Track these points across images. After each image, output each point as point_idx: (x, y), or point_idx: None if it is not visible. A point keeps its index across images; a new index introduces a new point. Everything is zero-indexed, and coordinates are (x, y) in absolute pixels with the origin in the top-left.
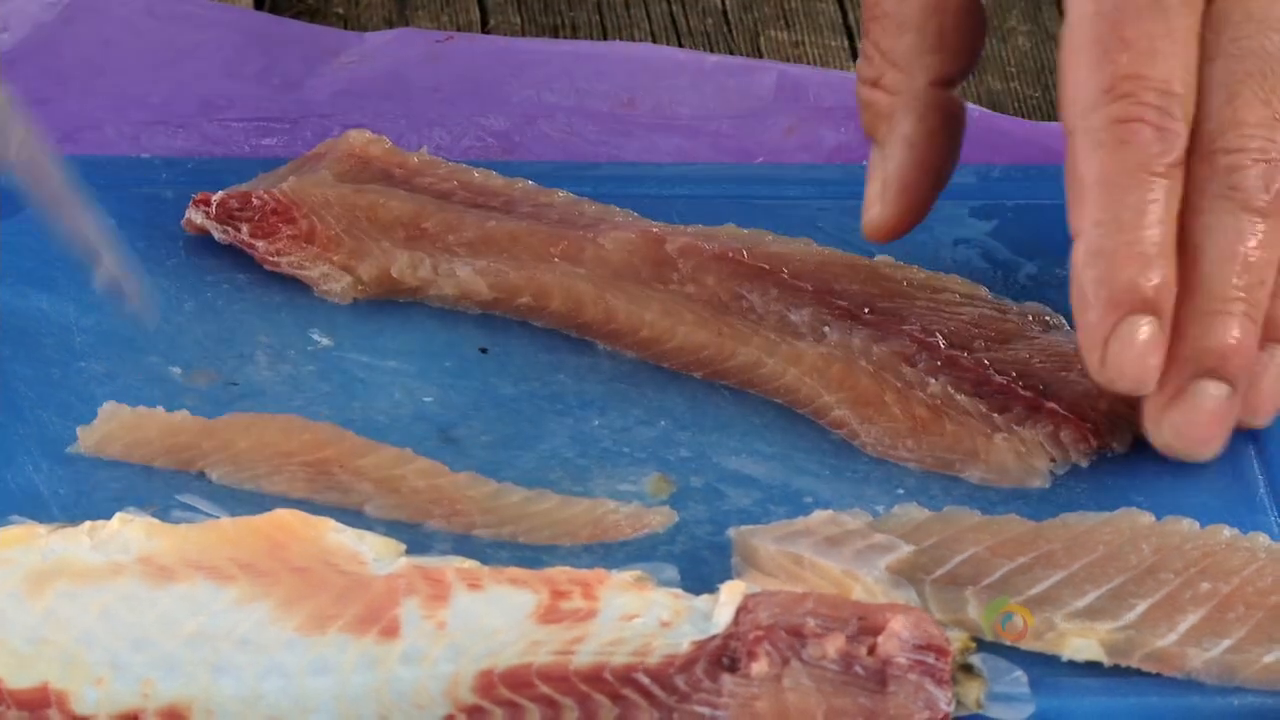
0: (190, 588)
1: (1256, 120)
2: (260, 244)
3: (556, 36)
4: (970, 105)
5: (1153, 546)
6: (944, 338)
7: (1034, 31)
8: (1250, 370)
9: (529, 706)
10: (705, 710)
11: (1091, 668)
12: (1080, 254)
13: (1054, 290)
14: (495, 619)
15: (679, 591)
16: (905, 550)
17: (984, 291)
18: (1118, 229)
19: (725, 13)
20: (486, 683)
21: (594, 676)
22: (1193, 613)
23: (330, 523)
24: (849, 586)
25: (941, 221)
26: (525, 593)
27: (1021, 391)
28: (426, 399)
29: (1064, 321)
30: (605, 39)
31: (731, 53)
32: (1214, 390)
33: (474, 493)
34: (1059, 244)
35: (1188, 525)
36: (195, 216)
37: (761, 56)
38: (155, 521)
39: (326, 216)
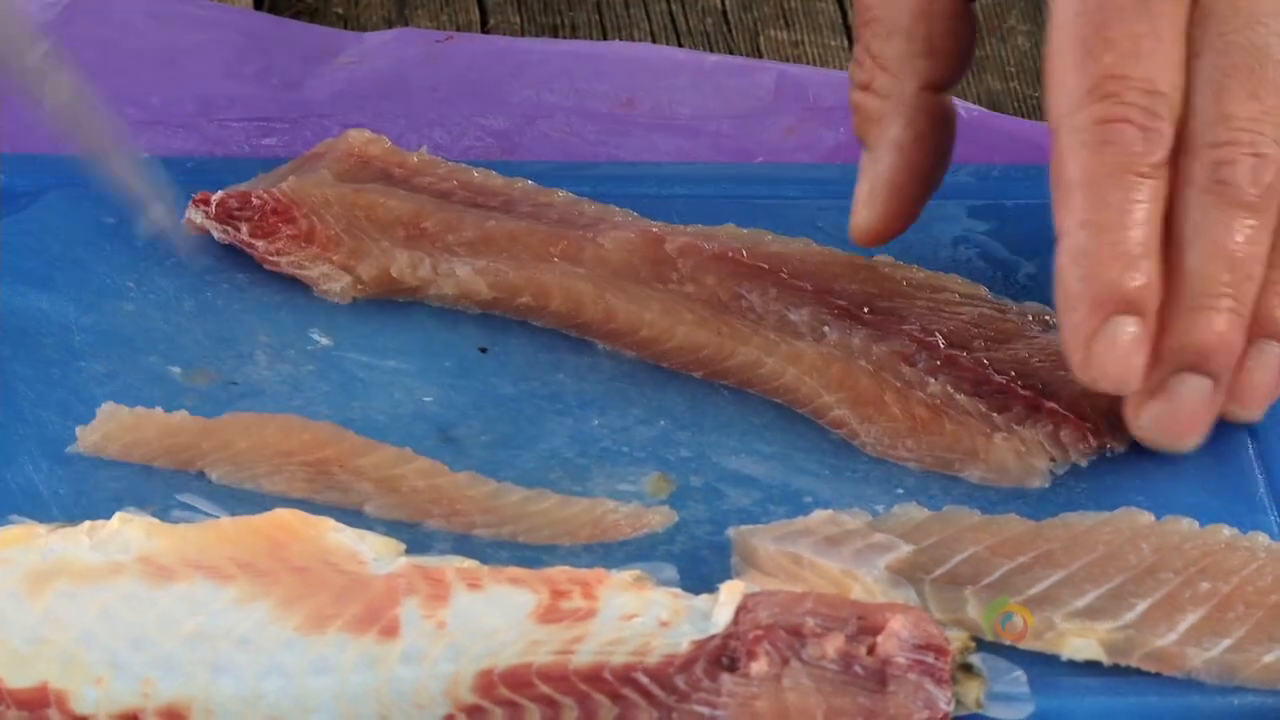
0: (190, 587)
1: (1244, 114)
2: (260, 243)
3: (556, 36)
4: (970, 105)
5: (1152, 546)
6: (943, 337)
7: (1034, 31)
8: (1234, 364)
9: (529, 706)
10: (705, 710)
11: (1091, 667)
12: (1064, 254)
13: (1053, 290)
14: (495, 619)
15: (678, 591)
16: (905, 550)
17: (984, 291)
18: (1101, 229)
19: (725, 12)
20: (486, 682)
21: (593, 676)
22: (1192, 612)
23: (330, 522)
24: (848, 586)
25: (941, 221)
26: (525, 592)
27: (1021, 391)
28: (426, 398)
29: None
30: (605, 39)
31: (731, 53)
32: (1195, 384)
33: (474, 492)
34: None
35: (1187, 525)
36: (195, 216)
37: (761, 56)
38: (155, 521)
39: (326, 216)
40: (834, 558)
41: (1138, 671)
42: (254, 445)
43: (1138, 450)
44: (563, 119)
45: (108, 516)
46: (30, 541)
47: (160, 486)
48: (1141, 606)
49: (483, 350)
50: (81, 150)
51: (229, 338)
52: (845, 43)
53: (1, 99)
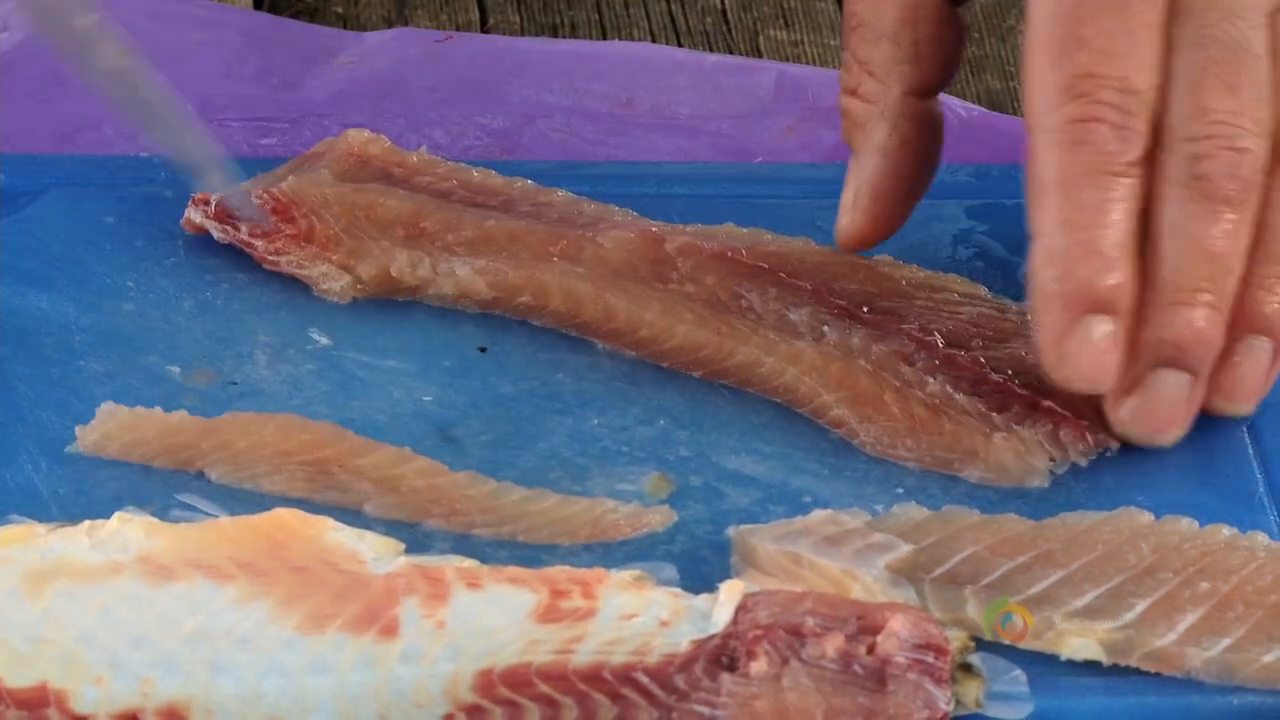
0: (189, 587)
1: (1222, 108)
2: (259, 243)
3: (555, 36)
4: (970, 105)
5: (1152, 546)
6: (942, 337)
7: None
8: (1213, 359)
9: (528, 705)
10: (704, 709)
11: (1091, 667)
12: (1038, 254)
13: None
14: (494, 618)
15: (678, 591)
16: (904, 549)
17: (983, 291)
18: (1075, 229)
19: (724, 12)
20: (486, 682)
21: (593, 675)
22: (1192, 612)
23: (329, 522)
24: (848, 586)
25: (940, 220)
26: (524, 592)
27: (1019, 390)
28: (426, 398)
29: None
30: (604, 38)
31: (731, 52)
32: (1173, 379)
33: (473, 492)
34: None
35: (1187, 524)
36: (194, 215)
37: (761, 56)
38: (154, 521)
39: (325, 216)
40: (834, 557)
41: (1137, 671)
42: (253, 445)
43: (1137, 450)
44: (562, 119)
45: (107, 516)
46: (30, 541)
47: (160, 486)
48: (1141, 606)
49: (482, 350)
50: (134, 118)
51: (228, 337)
52: None
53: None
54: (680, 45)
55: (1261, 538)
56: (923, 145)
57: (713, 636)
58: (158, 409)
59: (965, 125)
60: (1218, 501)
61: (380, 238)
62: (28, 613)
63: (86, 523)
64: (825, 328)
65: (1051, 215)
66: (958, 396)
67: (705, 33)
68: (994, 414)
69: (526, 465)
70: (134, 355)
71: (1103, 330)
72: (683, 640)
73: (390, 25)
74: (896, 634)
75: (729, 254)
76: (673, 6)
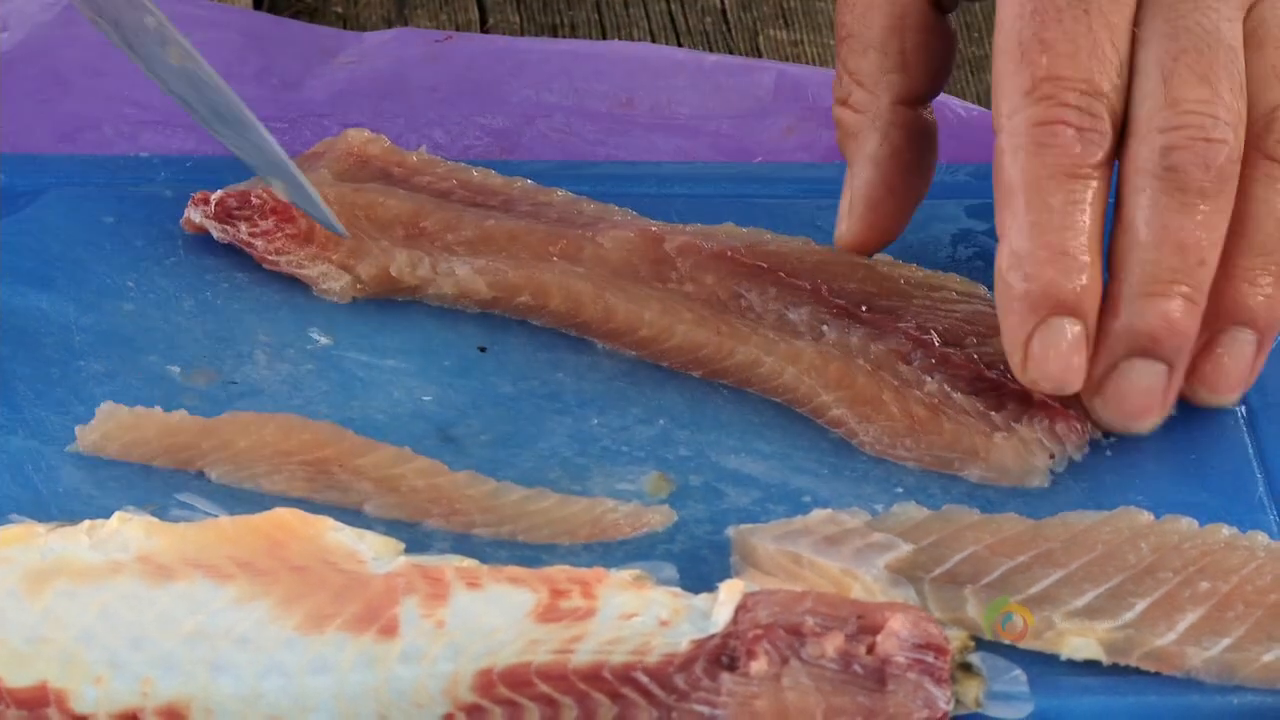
0: (189, 586)
1: (1194, 98)
2: (259, 243)
3: (555, 36)
4: (970, 105)
5: (1151, 545)
6: (938, 335)
7: None
8: (1188, 348)
9: (528, 705)
10: (704, 709)
11: (1090, 667)
12: (1003, 256)
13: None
14: (494, 618)
15: (678, 590)
16: (904, 549)
17: (982, 290)
18: (1039, 231)
19: (724, 12)
20: (485, 681)
21: (593, 675)
22: (1192, 611)
23: (329, 521)
24: (848, 585)
25: (940, 220)
26: (524, 591)
27: (1012, 385)
28: (425, 398)
29: None
30: (604, 38)
31: (730, 52)
32: (1147, 369)
33: (473, 491)
34: None
35: (1186, 524)
36: (194, 215)
37: (760, 56)
38: (154, 520)
39: None
40: (833, 557)
41: (1137, 671)
42: (253, 445)
43: (1137, 450)
44: (562, 118)
45: (107, 515)
46: (30, 541)
47: (160, 486)
48: (1141, 606)
49: (482, 349)
50: (198, 119)
51: (228, 337)
52: None
53: (2, 98)
54: (680, 45)
55: (1261, 537)
56: (915, 154)
57: (712, 636)
58: (158, 409)
59: (965, 125)
60: (1218, 501)
61: (380, 237)
62: (28, 612)
63: (86, 522)
64: (824, 327)
65: (1017, 218)
66: (956, 395)
67: (705, 32)
68: (992, 413)
69: (526, 465)
70: (134, 355)
71: (1069, 332)
72: (682, 640)
73: (390, 25)
74: (896, 634)
75: (728, 253)
76: (673, 6)
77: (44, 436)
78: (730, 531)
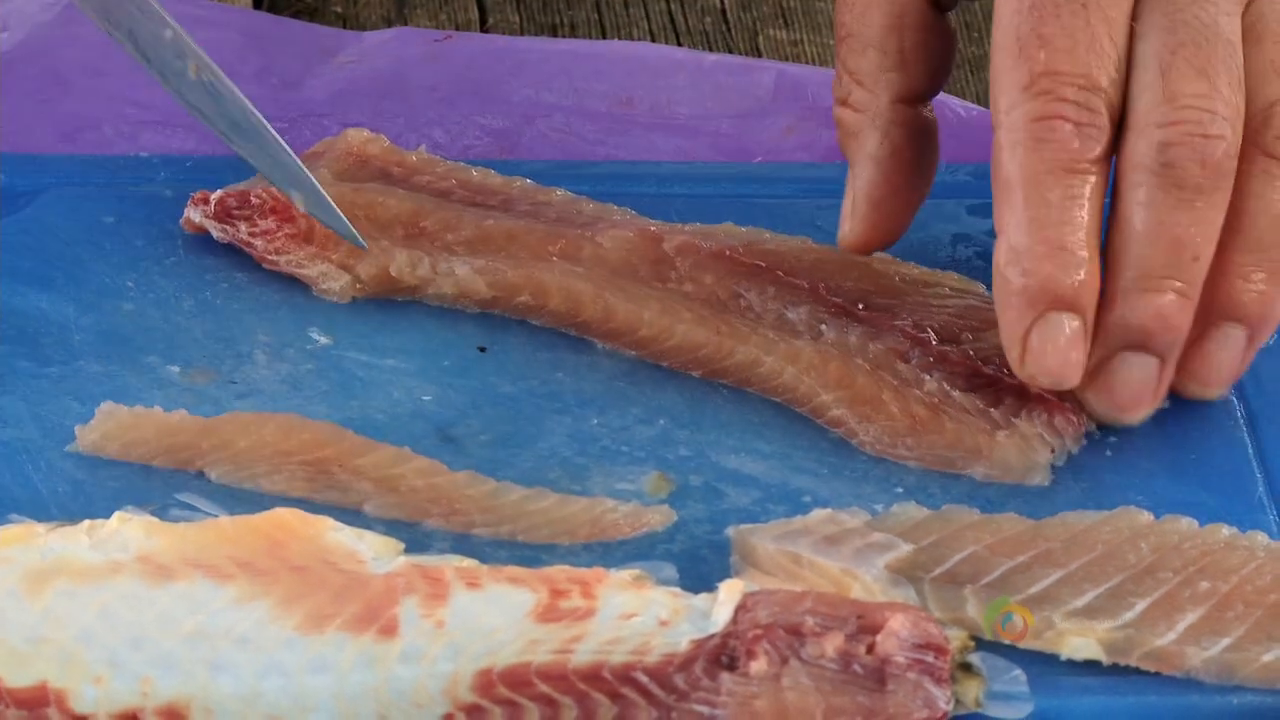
0: (189, 586)
1: (1191, 92)
2: (259, 242)
3: (555, 35)
4: (970, 104)
5: (1151, 545)
6: (934, 332)
7: None
8: (1180, 342)
9: (528, 705)
10: (704, 709)
11: (1090, 666)
12: (1001, 251)
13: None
14: (494, 618)
15: (678, 590)
16: (904, 549)
17: (978, 287)
18: (1037, 227)
19: (724, 12)
20: (485, 681)
21: (593, 675)
22: (1191, 611)
23: (329, 521)
24: (848, 585)
25: (940, 219)
26: (524, 591)
27: (1009, 380)
28: (425, 398)
29: None
30: (604, 38)
31: (730, 52)
32: (1139, 362)
33: (473, 491)
34: None
35: (1186, 524)
36: (194, 215)
37: (760, 55)
38: (154, 520)
39: None
40: (833, 557)
41: (1137, 671)
42: (253, 444)
43: (1137, 450)
44: (562, 118)
45: (107, 515)
46: (30, 540)
47: (159, 485)
48: (1141, 606)
49: (482, 349)
50: (216, 132)
51: (228, 337)
52: None
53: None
54: (680, 45)
55: (1261, 537)
56: (915, 152)
57: (712, 636)
58: (157, 409)
59: (965, 125)
60: (1218, 501)
61: (379, 237)
62: (27, 612)
63: (86, 522)
64: (823, 326)
65: (1015, 213)
66: (955, 394)
67: (705, 32)
68: (991, 410)
69: (526, 465)
70: (134, 355)
71: (1066, 328)
72: (682, 640)
73: (390, 25)
74: (896, 633)
75: (727, 253)
76: (672, 6)
77: (44, 436)
78: (730, 531)
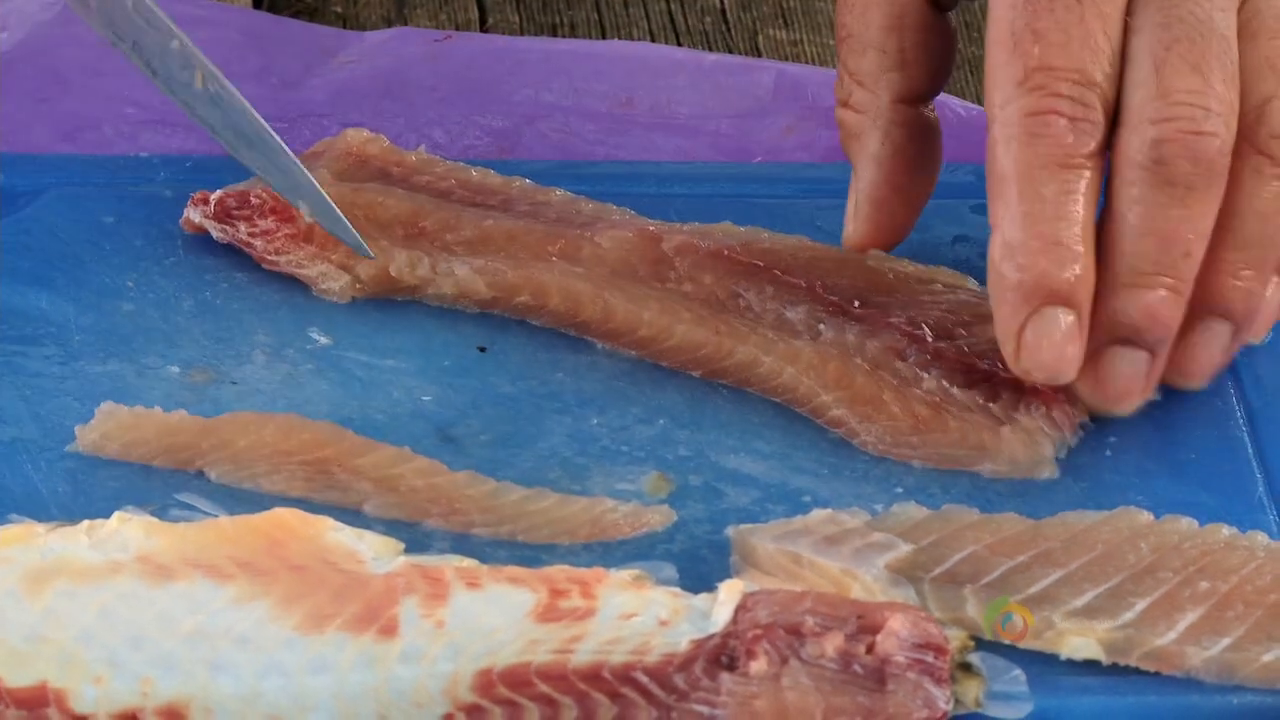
0: (189, 586)
1: (1185, 88)
2: (258, 242)
3: (555, 35)
4: (970, 104)
5: (1151, 545)
6: (929, 328)
7: None
8: (1171, 337)
9: (528, 705)
10: (704, 709)
11: (1090, 666)
12: (996, 247)
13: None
14: (494, 618)
15: (677, 590)
16: (904, 549)
17: (972, 284)
18: (1032, 222)
19: (724, 12)
20: (485, 681)
21: (592, 675)
22: (1191, 611)
23: (329, 521)
24: (848, 585)
25: (941, 219)
26: (524, 591)
27: (1004, 374)
28: (425, 398)
29: None
30: (604, 38)
31: (730, 52)
32: (1130, 356)
33: (472, 491)
34: None
35: (1186, 524)
36: (194, 215)
37: (760, 55)
38: (154, 520)
39: None
40: (833, 557)
41: (1137, 671)
42: (253, 444)
43: (1137, 450)
44: (561, 118)
45: (107, 515)
46: (29, 540)
47: (159, 485)
48: (1140, 606)
49: (481, 349)
50: (223, 142)
51: (228, 337)
52: None
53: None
54: (679, 45)
55: (1261, 537)
56: (917, 152)
57: (712, 636)
58: (157, 409)
59: (965, 125)
60: (1217, 501)
61: (379, 237)
62: (27, 612)
63: (86, 522)
64: (821, 325)
65: (1010, 208)
66: (954, 391)
67: (705, 32)
68: (991, 405)
69: (526, 465)
70: (134, 355)
71: (1061, 323)
72: (682, 640)
73: (390, 25)
74: (896, 633)
75: (726, 252)
76: (672, 6)
77: (44, 436)
78: (730, 531)
